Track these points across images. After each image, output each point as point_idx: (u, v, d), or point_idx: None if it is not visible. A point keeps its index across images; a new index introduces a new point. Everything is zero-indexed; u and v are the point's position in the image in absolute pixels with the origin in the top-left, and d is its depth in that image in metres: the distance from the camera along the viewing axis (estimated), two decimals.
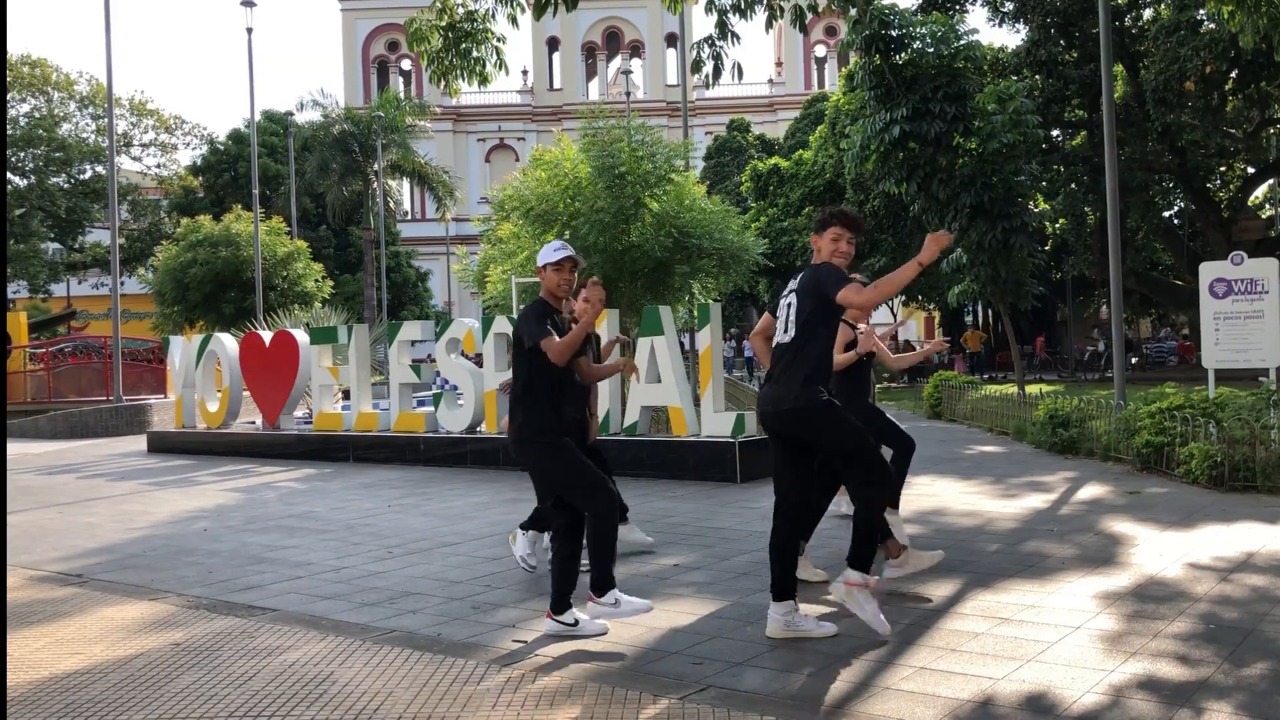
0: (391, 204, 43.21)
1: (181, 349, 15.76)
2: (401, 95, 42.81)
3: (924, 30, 16.48)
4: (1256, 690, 3.86)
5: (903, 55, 16.47)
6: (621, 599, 4.87)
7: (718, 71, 8.32)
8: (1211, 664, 4.16)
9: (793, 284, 4.86)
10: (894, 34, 16.43)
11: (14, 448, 17.89)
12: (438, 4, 8.19)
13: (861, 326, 6.39)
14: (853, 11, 16.08)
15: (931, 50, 16.37)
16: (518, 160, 51.30)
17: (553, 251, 5.01)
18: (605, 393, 10.76)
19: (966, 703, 3.80)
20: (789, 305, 4.79)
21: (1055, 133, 26.80)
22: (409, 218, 54.36)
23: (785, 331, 4.77)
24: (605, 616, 4.86)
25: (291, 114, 38.02)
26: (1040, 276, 24.84)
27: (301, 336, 14.55)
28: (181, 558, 7.23)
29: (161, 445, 15.99)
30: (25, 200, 38.67)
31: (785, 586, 4.68)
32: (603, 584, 4.84)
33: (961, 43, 16.62)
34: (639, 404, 10.92)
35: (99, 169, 39.93)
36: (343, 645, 4.82)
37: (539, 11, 7.70)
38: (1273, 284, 10.13)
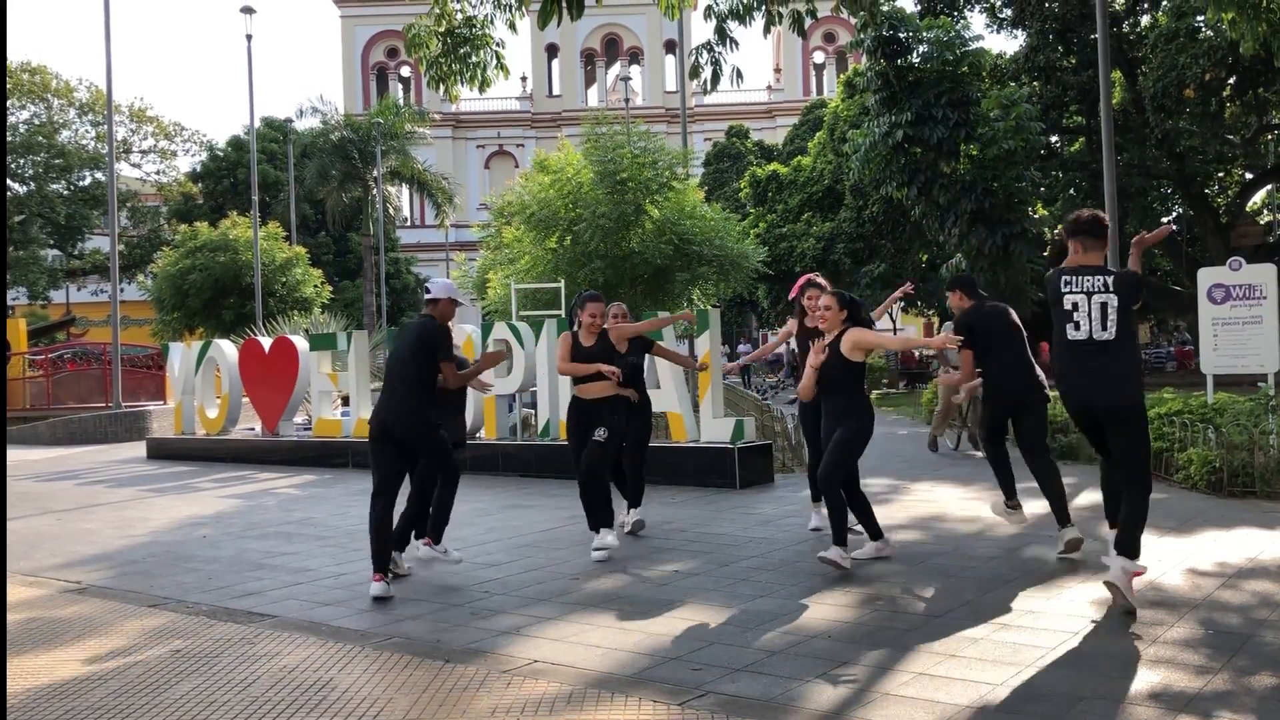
0: (391, 210, 43.25)
1: (181, 355, 15.75)
2: (401, 102, 42.83)
3: (930, 35, 16.55)
4: (1257, 696, 3.86)
5: (907, 59, 16.54)
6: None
7: (716, 77, 8.35)
8: (1211, 670, 4.16)
9: (1097, 280, 4.97)
10: (901, 37, 16.50)
11: (13, 454, 17.88)
12: (436, 10, 8.21)
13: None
14: (862, 14, 16.19)
15: (936, 56, 16.44)
16: (517, 166, 51.36)
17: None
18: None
19: (965, 709, 3.80)
20: (1104, 303, 4.93)
21: (1054, 139, 26.85)
22: (408, 224, 54.36)
23: (1103, 328, 4.93)
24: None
25: (291, 121, 38.10)
26: (1040, 283, 24.82)
27: (301, 343, 14.54)
28: (181, 564, 7.23)
29: (161, 452, 15.98)
30: (25, 207, 38.68)
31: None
32: None
33: (968, 49, 16.68)
34: None
35: (98, 176, 39.90)
36: (342, 651, 4.82)
37: (543, 20, 7.69)
38: (1271, 289, 10.13)
